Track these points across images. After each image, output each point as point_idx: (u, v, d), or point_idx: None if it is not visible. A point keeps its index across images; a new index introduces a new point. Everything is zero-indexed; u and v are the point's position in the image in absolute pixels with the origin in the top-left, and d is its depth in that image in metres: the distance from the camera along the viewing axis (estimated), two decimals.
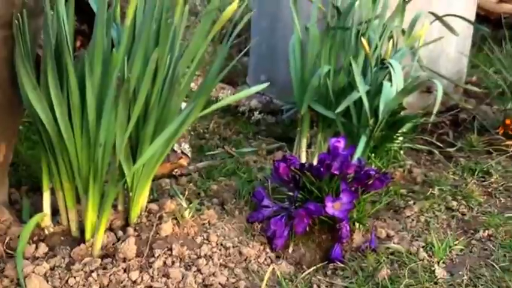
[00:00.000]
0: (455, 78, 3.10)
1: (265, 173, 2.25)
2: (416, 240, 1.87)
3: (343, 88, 2.27)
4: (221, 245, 1.77)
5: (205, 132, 2.81)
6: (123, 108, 1.50)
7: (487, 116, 3.00)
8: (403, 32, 2.47)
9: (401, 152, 2.36)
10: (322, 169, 1.79)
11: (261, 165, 2.37)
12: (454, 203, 2.08)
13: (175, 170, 2.28)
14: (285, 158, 1.87)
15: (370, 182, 1.84)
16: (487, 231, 1.93)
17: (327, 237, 1.85)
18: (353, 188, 1.82)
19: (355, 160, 1.93)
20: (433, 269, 1.69)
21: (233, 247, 1.76)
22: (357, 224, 1.87)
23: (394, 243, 1.84)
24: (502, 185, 2.25)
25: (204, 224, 1.87)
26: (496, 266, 1.71)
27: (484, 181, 2.29)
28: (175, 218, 1.82)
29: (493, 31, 4.56)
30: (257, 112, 2.90)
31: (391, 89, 2.13)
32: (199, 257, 1.70)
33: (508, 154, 2.48)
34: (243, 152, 2.52)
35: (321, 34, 2.35)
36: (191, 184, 2.20)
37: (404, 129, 2.31)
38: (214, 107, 1.83)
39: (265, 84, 1.88)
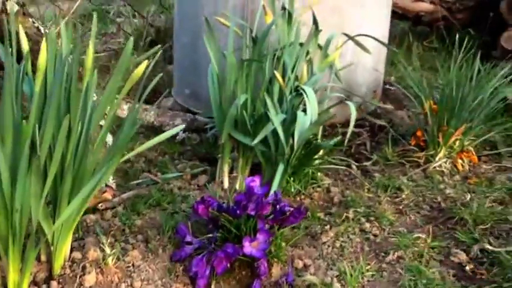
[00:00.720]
0: (373, 85, 3.23)
1: (188, 204, 2.32)
2: (331, 269, 1.98)
3: (261, 116, 2.35)
4: None
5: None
6: (36, 178, 1.53)
7: (403, 122, 3.15)
8: (319, 47, 2.55)
9: (319, 173, 2.46)
10: (238, 211, 1.87)
11: (185, 193, 2.43)
12: (367, 225, 2.21)
13: (100, 204, 2.32)
14: (204, 200, 1.95)
15: (285, 218, 1.94)
16: (396, 253, 2.07)
17: (247, 273, 1.94)
18: (269, 226, 1.92)
19: (271, 195, 2.02)
20: None
21: None
22: (275, 258, 1.96)
23: (310, 273, 1.95)
24: (412, 200, 2.40)
25: (128, 267, 1.93)
26: None
27: (396, 197, 2.42)
28: (99, 266, 1.87)
29: (411, 27, 4.75)
30: (181, 131, 2.95)
31: (305, 119, 2.22)
32: None
33: (420, 168, 2.62)
34: (168, 178, 2.57)
35: (238, 63, 2.41)
36: (116, 219, 2.25)
37: (320, 153, 2.42)
38: (140, 149, 1.89)
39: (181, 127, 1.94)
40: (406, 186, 2.46)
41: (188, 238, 2.01)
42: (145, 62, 1.67)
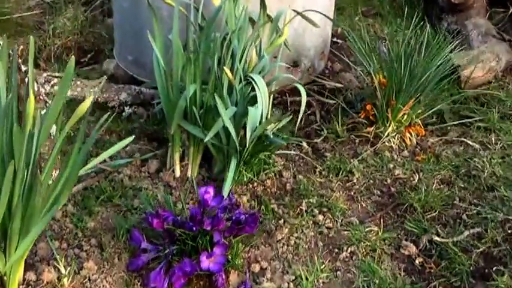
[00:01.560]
0: (321, 47, 3.17)
1: (141, 199, 2.28)
2: (287, 272, 2.03)
3: (210, 107, 2.29)
4: None
5: (75, 134, 2.74)
6: None
7: (351, 84, 3.13)
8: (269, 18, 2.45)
9: (272, 156, 2.45)
10: (194, 227, 1.86)
11: (136, 184, 2.39)
12: (320, 217, 2.24)
13: None
14: (158, 214, 1.92)
15: (241, 228, 1.94)
16: (349, 248, 2.12)
17: (205, 284, 1.96)
18: (225, 238, 1.92)
19: (225, 199, 2.01)
20: None
21: None
22: (232, 267, 1.98)
23: (267, 279, 1.99)
24: (363, 184, 2.44)
25: (84, 282, 1.92)
26: None
27: (347, 181, 2.46)
28: (55, 287, 1.85)
29: None
30: (128, 106, 2.86)
31: (256, 112, 2.18)
32: None
33: (369, 143, 2.64)
34: (117, 165, 2.51)
35: (185, 52, 2.31)
36: (67, 219, 2.21)
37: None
38: (90, 165, 1.84)
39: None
40: (357, 170, 2.49)
41: (143, 245, 1.99)
42: (91, 98, 1.57)
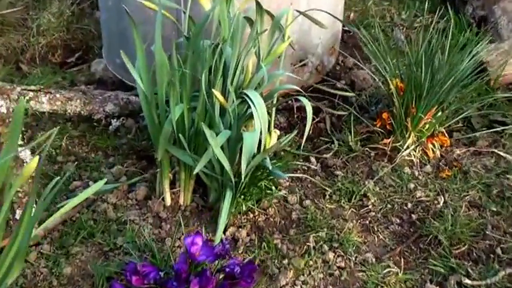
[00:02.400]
0: (331, 41, 2.83)
1: (125, 237, 2.00)
2: None
3: (201, 130, 1.98)
4: None
5: (57, 153, 2.46)
6: None
7: (365, 83, 2.80)
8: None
9: (273, 181, 2.15)
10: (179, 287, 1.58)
11: (121, 215, 2.11)
12: (331, 255, 1.94)
13: None
14: (137, 270, 1.63)
15: (236, 283, 1.65)
16: None
17: None
18: None
19: (218, 246, 1.71)
20: None
21: None
22: None
23: None
24: (380, 210, 2.13)
25: None
26: None
27: (362, 206, 2.15)
28: None
29: None
30: (115, 119, 2.56)
31: (252, 140, 1.87)
32: None
33: (386, 157, 2.33)
34: (101, 192, 2.22)
35: (170, 61, 2.00)
36: (42, 262, 1.94)
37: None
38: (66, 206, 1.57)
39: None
40: (373, 193, 2.17)
41: None
42: (36, 160, 1.27)
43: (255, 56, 2.10)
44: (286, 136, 2.10)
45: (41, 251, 1.98)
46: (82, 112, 2.53)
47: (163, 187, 2.14)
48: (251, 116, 1.98)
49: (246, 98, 1.93)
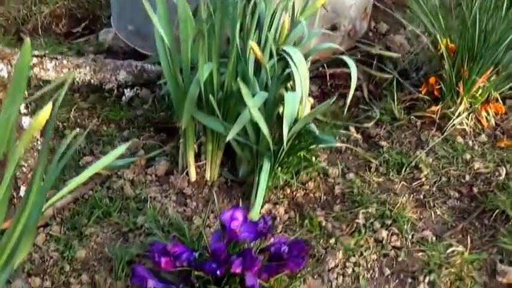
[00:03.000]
0: (364, 4, 2.57)
1: (145, 216, 1.75)
2: None
3: (231, 92, 1.72)
4: None
5: (64, 126, 2.20)
6: None
7: (402, 49, 2.54)
8: None
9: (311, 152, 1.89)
10: (218, 271, 1.32)
11: (140, 193, 1.85)
12: (384, 233, 1.69)
13: None
14: (166, 251, 1.38)
15: (280, 264, 1.39)
16: (427, 277, 1.57)
17: None
18: (264, 279, 1.38)
19: (259, 222, 1.45)
20: None
21: None
22: None
23: None
24: (435, 183, 1.88)
25: None
26: None
27: (413, 179, 1.89)
28: None
29: None
30: (128, 88, 2.30)
31: (294, 100, 1.61)
32: None
33: (436, 126, 2.07)
34: (116, 167, 1.96)
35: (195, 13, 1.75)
36: (51, 246, 1.68)
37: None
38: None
39: None
40: (425, 164, 1.91)
41: (150, 284, 1.46)
42: (49, 106, 1.01)
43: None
44: (327, 101, 1.83)
45: (50, 232, 1.73)
46: (92, 81, 2.26)
47: (187, 160, 1.88)
48: (288, 78, 1.73)
49: (284, 54, 1.68)
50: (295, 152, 1.74)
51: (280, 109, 1.72)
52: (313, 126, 1.66)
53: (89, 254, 1.66)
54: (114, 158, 1.35)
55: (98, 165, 1.31)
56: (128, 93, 2.30)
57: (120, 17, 2.60)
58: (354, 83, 1.72)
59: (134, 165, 1.98)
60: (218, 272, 1.31)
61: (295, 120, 1.63)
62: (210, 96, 1.65)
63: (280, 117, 1.69)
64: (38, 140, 1.87)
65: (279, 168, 1.80)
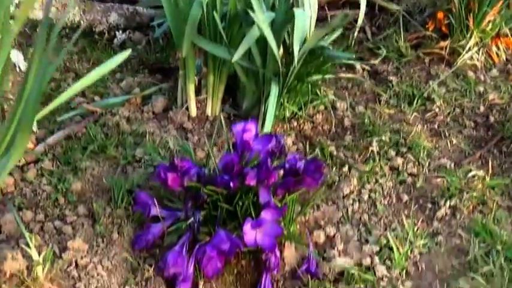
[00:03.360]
0: None
1: (144, 148, 1.63)
2: (366, 241, 1.39)
3: (236, 14, 1.61)
4: None
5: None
6: None
7: None
8: None
9: (318, 83, 1.79)
10: (232, 183, 1.21)
11: (137, 128, 1.73)
12: (399, 160, 1.59)
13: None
14: (174, 165, 1.27)
15: (297, 180, 1.29)
16: (448, 202, 1.48)
17: (248, 264, 1.32)
18: (278, 198, 1.28)
19: (271, 141, 1.35)
20: None
21: None
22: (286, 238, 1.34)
23: (338, 250, 1.35)
24: (449, 114, 1.78)
25: (69, 271, 1.28)
26: (474, 275, 1.28)
27: (426, 111, 1.80)
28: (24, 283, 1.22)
29: None
30: (120, 31, 2.18)
31: (304, 17, 1.51)
32: None
33: (445, 62, 1.98)
34: (110, 105, 1.84)
35: None
36: (43, 180, 1.56)
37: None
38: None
39: None
40: (437, 95, 1.82)
41: (154, 211, 1.35)
42: None
43: None
44: (341, 14, 1.72)
45: (42, 166, 1.60)
46: (82, 22, 2.14)
47: (187, 94, 1.77)
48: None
49: None
50: (306, 75, 1.63)
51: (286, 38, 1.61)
52: (324, 42, 1.56)
53: (85, 187, 1.53)
54: (117, 63, 1.24)
55: (101, 70, 1.20)
56: (120, 35, 2.18)
57: None
58: (363, 6, 1.62)
59: (129, 104, 1.86)
60: (231, 184, 1.20)
61: (304, 41, 1.53)
62: (215, 13, 1.54)
63: (285, 44, 1.59)
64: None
65: (286, 98, 1.69)
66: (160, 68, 2.04)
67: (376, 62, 2.00)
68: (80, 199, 1.50)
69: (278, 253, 1.26)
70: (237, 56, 1.50)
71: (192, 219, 1.24)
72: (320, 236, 1.38)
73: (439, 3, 2.15)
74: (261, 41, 1.54)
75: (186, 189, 1.28)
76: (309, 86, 1.74)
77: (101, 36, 2.18)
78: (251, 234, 1.22)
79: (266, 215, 1.22)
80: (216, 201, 1.26)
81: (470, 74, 1.94)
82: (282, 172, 1.30)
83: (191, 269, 1.26)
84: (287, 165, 1.29)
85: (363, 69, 1.99)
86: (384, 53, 2.03)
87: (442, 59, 2.00)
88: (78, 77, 2.04)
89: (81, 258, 1.32)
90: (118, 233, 1.39)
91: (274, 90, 1.59)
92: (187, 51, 1.66)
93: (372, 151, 1.60)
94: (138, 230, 1.39)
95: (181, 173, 1.26)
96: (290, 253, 1.33)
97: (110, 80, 2.02)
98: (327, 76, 1.79)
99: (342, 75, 1.83)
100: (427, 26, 2.08)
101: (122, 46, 2.18)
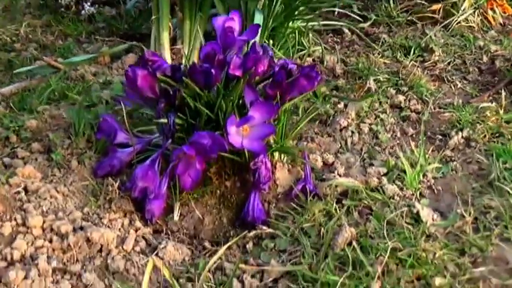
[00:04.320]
0: None
1: (113, 91, 1.43)
2: (371, 164, 1.18)
3: None
4: (53, 231, 0.97)
5: (14, 40, 1.89)
6: None
7: None
8: None
9: (307, 34, 1.63)
10: (213, 70, 1.01)
11: (105, 78, 1.54)
12: (401, 98, 1.42)
13: None
14: (144, 60, 1.07)
15: (293, 82, 1.09)
16: (460, 132, 1.29)
17: (233, 182, 1.10)
18: (269, 96, 1.08)
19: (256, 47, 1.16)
20: (414, 210, 1.01)
21: (74, 232, 0.97)
22: (276, 155, 1.13)
23: (339, 174, 1.14)
24: (449, 63, 1.62)
25: (17, 193, 1.05)
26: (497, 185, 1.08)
27: (424, 61, 1.64)
28: None
29: None
30: (88, 3, 2.01)
31: None
32: (10, 263, 0.90)
33: (440, 25, 1.84)
34: (75, 62, 1.65)
35: None
36: None
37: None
38: None
39: None
40: (436, 44, 1.67)
41: (121, 137, 1.14)
42: None
43: None
44: None
45: None
46: None
47: (161, 44, 1.59)
48: None
49: None
50: (290, 14, 1.46)
51: None
52: None
53: (41, 124, 1.32)
54: None
55: None
56: (88, 8, 2.01)
57: None
58: None
59: (96, 63, 1.68)
60: (213, 71, 1.00)
61: None
62: None
63: None
64: None
65: (271, 42, 1.52)
66: (132, 35, 1.87)
67: (366, 25, 1.85)
68: (35, 137, 1.28)
69: (269, 164, 1.05)
70: None
71: (166, 120, 1.03)
72: (317, 161, 1.18)
73: None
74: None
75: (158, 92, 1.07)
76: (293, 33, 1.57)
77: (67, 9, 2.02)
78: (237, 135, 1.01)
79: (254, 112, 1.01)
80: (194, 106, 1.05)
81: (468, 34, 1.80)
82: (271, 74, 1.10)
83: (164, 188, 1.04)
84: (277, 66, 1.09)
85: (352, 32, 1.84)
86: (373, 18, 1.89)
87: (435, 22, 1.87)
88: (41, 46, 1.86)
89: (32, 183, 1.09)
90: (78, 162, 1.17)
91: (258, 17, 1.41)
92: None
93: (369, 88, 1.42)
94: (103, 158, 1.17)
95: (152, 70, 1.05)
96: (283, 174, 1.12)
97: (74, 48, 1.84)
98: (313, 24, 1.62)
99: (329, 23, 1.66)
100: None
101: (90, 19, 2.01)
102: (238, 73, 1.02)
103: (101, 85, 1.50)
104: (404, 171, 1.12)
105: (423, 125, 1.32)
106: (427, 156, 1.18)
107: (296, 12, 1.50)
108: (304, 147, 1.18)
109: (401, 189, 1.09)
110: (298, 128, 1.17)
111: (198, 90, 1.04)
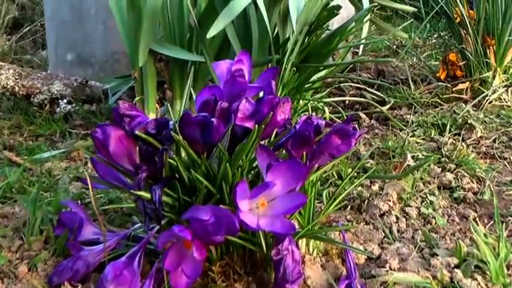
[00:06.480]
0: None
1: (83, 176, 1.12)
2: (433, 255, 0.86)
3: (211, 4, 1.23)
4: None
5: None
6: None
7: (398, 69, 2.13)
8: None
9: (325, 108, 1.36)
10: (213, 120, 0.71)
11: (77, 172, 1.24)
12: (449, 176, 1.12)
13: None
14: (119, 115, 0.78)
15: (320, 141, 0.80)
16: None
17: (247, 285, 0.77)
18: (291, 157, 0.78)
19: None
20: None
21: None
22: (303, 245, 0.81)
23: (392, 269, 0.82)
24: (495, 140, 1.35)
25: None
26: None
27: (464, 139, 1.36)
28: None
29: None
30: (64, 101, 1.75)
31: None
32: None
33: (469, 105, 1.58)
34: (43, 158, 1.36)
35: None
36: None
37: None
38: None
39: None
40: (475, 120, 1.40)
41: (88, 229, 0.83)
42: None
43: None
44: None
45: None
46: (16, 88, 1.73)
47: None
48: None
49: None
50: (302, 79, 1.20)
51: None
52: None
53: None
54: None
55: None
56: (64, 106, 1.76)
57: (57, 44, 2.12)
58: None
59: (69, 159, 1.40)
60: (214, 121, 0.71)
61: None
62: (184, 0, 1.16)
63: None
64: None
65: None
66: None
67: (385, 108, 1.59)
68: None
69: (298, 253, 0.72)
70: (214, 31, 1.08)
71: (145, 195, 0.72)
72: (359, 258, 0.86)
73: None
74: (243, 15, 1.14)
75: (140, 157, 0.77)
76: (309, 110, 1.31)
77: (41, 108, 1.76)
78: (250, 213, 0.70)
79: (274, 177, 0.71)
80: (189, 177, 0.75)
81: (507, 111, 1.54)
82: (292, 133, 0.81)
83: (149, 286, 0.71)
84: (300, 122, 0.80)
85: (370, 118, 1.58)
86: (392, 101, 1.64)
87: (464, 102, 1.62)
88: (7, 147, 1.58)
89: None
90: (29, 269, 0.84)
91: None
92: (143, 60, 1.24)
93: (409, 165, 1.13)
94: (62, 260, 0.84)
95: (130, 129, 0.76)
96: (315, 271, 0.79)
97: (45, 147, 1.56)
98: (327, 102, 1.36)
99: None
100: (437, 75, 1.73)
101: (66, 118, 1.75)
102: (249, 124, 0.73)
103: (72, 179, 1.20)
104: (483, 261, 0.80)
105: (485, 209, 1.02)
106: (505, 241, 0.87)
107: (309, 82, 1.23)
108: (345, 227, 0.86)
109: (485, 285, 0.77)
110: (327, 211, 0.86)
111: (194, 154, 0.74)
